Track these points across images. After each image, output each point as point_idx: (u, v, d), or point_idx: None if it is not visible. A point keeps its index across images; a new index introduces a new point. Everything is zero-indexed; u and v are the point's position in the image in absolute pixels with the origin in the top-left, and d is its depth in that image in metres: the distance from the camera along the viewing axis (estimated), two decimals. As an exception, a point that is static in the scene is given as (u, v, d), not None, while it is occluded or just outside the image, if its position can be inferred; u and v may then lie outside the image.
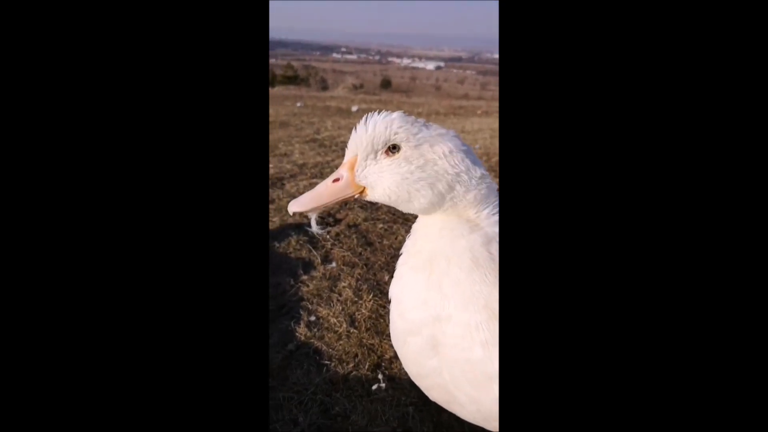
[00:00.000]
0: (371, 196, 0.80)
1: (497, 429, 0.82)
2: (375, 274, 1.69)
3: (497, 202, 0.81)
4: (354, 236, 1.95)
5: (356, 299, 1.51)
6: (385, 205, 0.84)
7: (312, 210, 0.79)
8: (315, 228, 0.95)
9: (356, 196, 0.81)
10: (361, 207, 2.26)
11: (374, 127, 0.78)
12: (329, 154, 3.10)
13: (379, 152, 0.78)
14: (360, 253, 1.81)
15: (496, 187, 0.82)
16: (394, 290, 0.86)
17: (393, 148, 0.77)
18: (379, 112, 0.81)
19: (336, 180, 0.80)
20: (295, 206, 0.79)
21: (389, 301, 0.89)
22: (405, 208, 0.82)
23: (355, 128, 0.80)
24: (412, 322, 0.78)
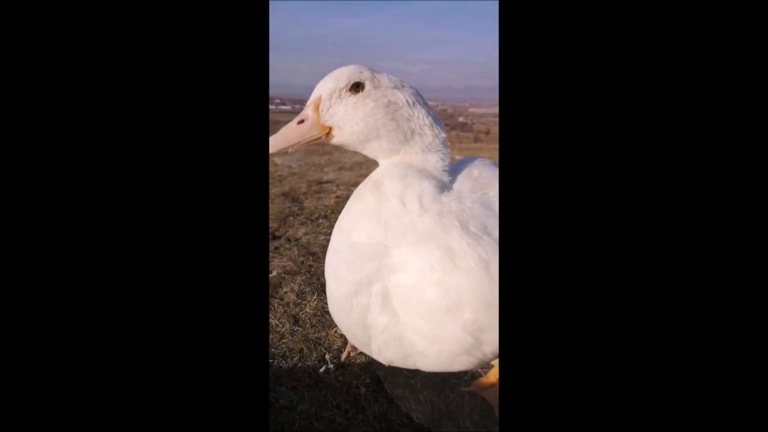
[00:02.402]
0: (338, 137, 0.79)
1: (459, 367, 0.79)
2: (318, 279, 1.64)
3: (447, 157, 0.84)
4: (295, 248, 1.90)
5: (299, 301, 1.44)
6: (349, 150, 0.82)
7: (278, 152, 0.76)
8: None
9: (323, 138, 0.79)
10: (301, 223, 2.23)
11: (338, 70, 0.79)
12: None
13: (344, 90, 0.77)
14: (302, 262, 1.76)
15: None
16: (333, 255, 0.83)
17: (357, 86, 0.77)
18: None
19: (301, 121, 0.78)
20: None
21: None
22: (371, 149, 0.81)
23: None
24: (359, 282, 0.75)
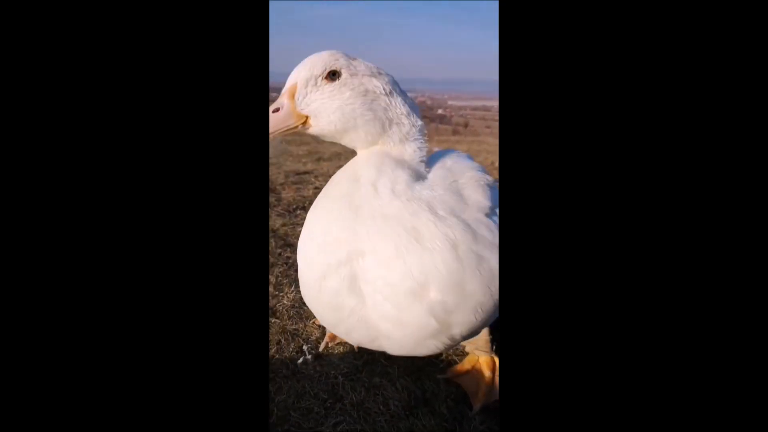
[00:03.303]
0: (315, 126, 0.77)
1: (426, 351, 0.80)
2: (296, 270, 1.63)
3: (425, 147, 0.84)
4: (272, 240, 1.87)
5: (276, 293, 1.43)
6: (326, 140, 0.80)
7: None
8: None
9: (299, 128, 0.77)
10: (278, 215, 2.19)
11: (313, 57, 0.76)
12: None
13: (320, 78, 0.75)
14: (279, 254, 1.74)
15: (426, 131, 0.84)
16: (304, 240, 0.83)
17: (333, 74, 0.76)
18: None
19: (276, 110, 0.76)
20: None
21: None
22: (348, 139, 0.80)
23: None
24: (328, 265, 0.75)
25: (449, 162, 0.87)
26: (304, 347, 1.15)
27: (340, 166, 0.89)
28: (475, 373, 1.03)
